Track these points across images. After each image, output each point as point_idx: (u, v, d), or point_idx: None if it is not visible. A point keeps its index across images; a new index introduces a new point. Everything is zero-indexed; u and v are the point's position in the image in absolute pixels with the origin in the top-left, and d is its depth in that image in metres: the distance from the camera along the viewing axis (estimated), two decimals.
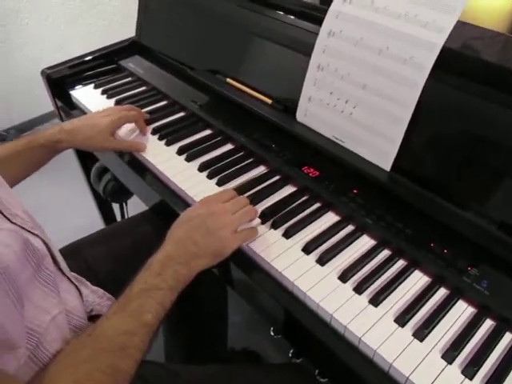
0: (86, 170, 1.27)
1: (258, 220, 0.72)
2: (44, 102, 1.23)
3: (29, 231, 0.54)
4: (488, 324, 0.59)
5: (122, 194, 1.20)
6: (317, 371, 0.85)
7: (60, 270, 0.60)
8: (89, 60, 1.16)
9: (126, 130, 0.93)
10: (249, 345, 1.40)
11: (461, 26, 0.65)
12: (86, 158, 1.23)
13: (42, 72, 1.10)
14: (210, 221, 0.63)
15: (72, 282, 0.63)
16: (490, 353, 0.55)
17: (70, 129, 0.83)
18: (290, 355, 1.14)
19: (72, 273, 0.73)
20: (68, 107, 1.10)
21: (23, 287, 0.48)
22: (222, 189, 0.79)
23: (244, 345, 1.40)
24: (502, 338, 0.57)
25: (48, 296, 0.53)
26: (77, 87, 1.11)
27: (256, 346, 1.39)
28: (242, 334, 1.43)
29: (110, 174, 1.16)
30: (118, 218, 1.45)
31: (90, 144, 0.85)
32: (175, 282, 0.59)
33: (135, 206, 1.17)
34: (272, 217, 0.73)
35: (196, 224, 0.64)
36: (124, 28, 1.28)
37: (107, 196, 1.21)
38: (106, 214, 1.47)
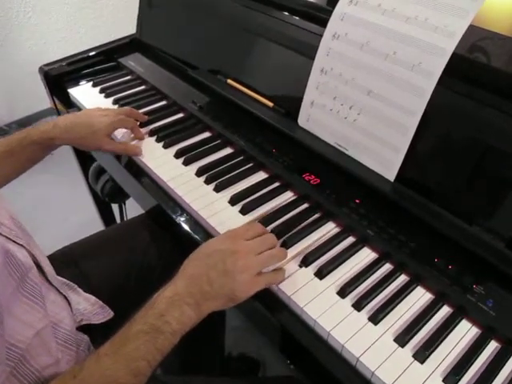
0: (85, 169, 1.25)
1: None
2: (46, 97, 1.21)
3: (14, 241, 0.51)
4: (493, 346, 0.56)
5: (120, 194, 1.18)
6: None
7: (47, 280, 0.58)
8: (88, 57, 1.13)
9: (123, 132, 0.90)
10: (247, 350, 1.38)
11: (469, 30, 0.61)
12: (85, 158, 1.21)
13: (40, 69, 1.08)
14: (230, 260, 0.56)
15: (60, 292, 0.60)
16: (494, 378, 0.53)
17: (64, 125, 0.79)
18: (289, 362, 1.12)
19: (63, 279, 0.71)
20: (66, 105, 1.07)
21: (5, 303, 0.46)
22: (219, 195, 0.77)
23: (242, 350, 1.38)
24: (507, 361, 0.54)
25: (32, 310, 0.50)
26: (75, 85, 1.09)
27: (254, 350, 1.37)
28: (240, 338, 1.41)
29: (107, 174, 1.14)
30: (117, 219, 1.43)
31: (85, 143, 0.82)
32: (180, 326, 0.52)
33: (134, 207, 1.15)
34: (269, 227, 0.70)
35: (214, 261, 0.57)
36: (128, 22, 1.26)
37: (105, 196, 1.19)
38: (105, 215, 1.46)
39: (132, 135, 0.90)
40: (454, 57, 0.61)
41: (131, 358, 0.49)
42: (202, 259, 0.58)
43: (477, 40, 0.68)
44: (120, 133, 0.90)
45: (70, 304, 0.62)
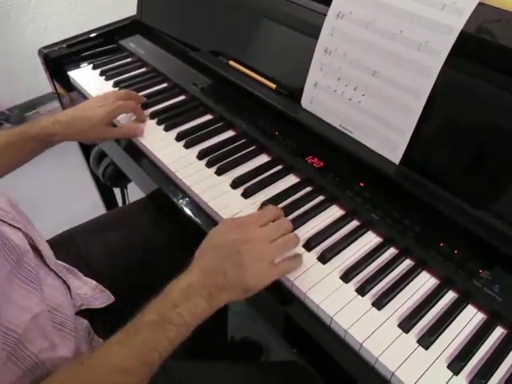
0: (86, 153, 1.24)
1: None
2: (47, 82, 1.20)
3: (10, 224, 0.50)
4: (499, 332, 0.55)
5: (121, 178, 1.17)
6: None
7: (46, 264, 0.57)
8: (88, 39, 1.11)
9: (124, 116, 0.89)
10: (250, 334, 1.38)
11: (478, 7, 0.59)
12: None
13: (39, 51, 1.06)
14: (243, 250, 0.55)
15: (59, 276, 0.60)
16: (500, 364, 0.51)
17: (64, 121, 0.78)
18: (292, 347, 1.11)
19: (63, 263, 0.70)
20: (66, 88, 1.06)
21: (0, 286, 0.45)
22: (221, 178, 0.75)
23: (245, 334, 1.38)
24: None
25: (29, 294, 0.50)
26: (75, 68, 1.07)
27: (257, 335, 1.37)
28: (243, 323, 1.41)
29: (109, 158, 1.13)
30: (120, 203, 1.42)
31: (86, 137, 0.82)
32: (192, 317, 0.51)
33: (137, 191, 1.15)
34: None
35: (227, 252, 0.55)
36: (129, 3, 1.24)
37: (107, 180, 1.18)
38: (107, 199, 1.45)
39: (133, 118, 0.88)
40: (463, 35, 0.59)
41: (142, 348, 0.48)
42: (214, 250, 0.56)
43: (486, 18, 0.66)
44: (121, 118, 0.88)
45: (69, 288, 0.62)
